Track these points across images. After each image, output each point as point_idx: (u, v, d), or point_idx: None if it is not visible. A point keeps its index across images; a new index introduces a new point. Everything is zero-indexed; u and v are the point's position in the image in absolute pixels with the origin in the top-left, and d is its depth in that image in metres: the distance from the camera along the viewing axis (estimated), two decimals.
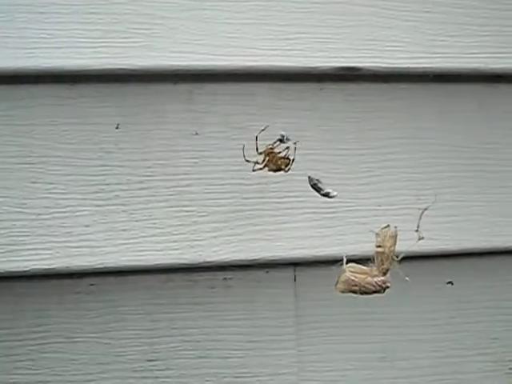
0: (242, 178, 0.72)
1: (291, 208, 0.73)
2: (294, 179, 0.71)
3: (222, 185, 0.71)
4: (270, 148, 0.66)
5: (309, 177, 0.67)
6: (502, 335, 0.80)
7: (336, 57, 0.72)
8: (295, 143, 0.67)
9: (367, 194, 0.74)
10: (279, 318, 0.75)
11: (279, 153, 0.67)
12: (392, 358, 0.77)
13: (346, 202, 0.74)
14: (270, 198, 0.72)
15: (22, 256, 0.68)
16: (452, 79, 0.76)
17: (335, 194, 0.66)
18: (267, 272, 0.74)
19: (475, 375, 0.79)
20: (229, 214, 0.72)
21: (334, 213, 0.73)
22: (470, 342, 0.79)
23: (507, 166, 0.77)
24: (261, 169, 0.67)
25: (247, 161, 0.67)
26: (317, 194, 0.67)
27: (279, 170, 0.67)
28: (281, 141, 0.66)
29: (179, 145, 0.71)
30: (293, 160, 0.67)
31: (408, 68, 0.73)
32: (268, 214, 0.72)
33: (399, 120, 0.75)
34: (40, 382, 0.70)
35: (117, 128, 0.69)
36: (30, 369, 0.70)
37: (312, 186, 0.67)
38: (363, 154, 0.74)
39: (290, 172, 0.69)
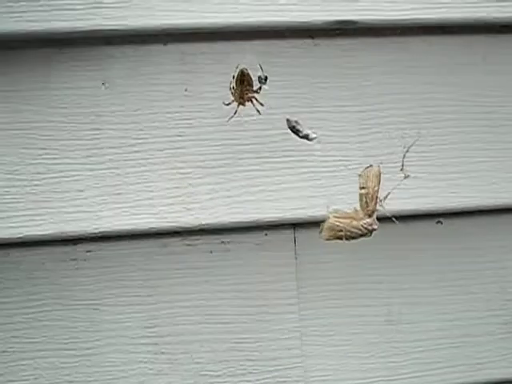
0: (238, 139, 0.70)
1: (289, 168, 0.71)
2: (292, 138, 0.69)
3: (218, 146, 0.70)
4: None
5: (287, 119, 0.64)
6: None
7: (330, 10, 0.70)
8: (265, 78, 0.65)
9: (368, 152, 0.72)
10: (280, 281, 0.73)
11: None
12: (398, 320, 0.75)
13: (347, 161, 0.72)
14: (267, 157, 0.71)
15: (15, 222, 0.67)
16: (454, 31, 0.73)
17: (315, 135, 0.62)
18: (266, 234, 0.72)
19: (485, 338, 0.76)
20: (225, 176, 0.70)
21: (333, 171, 0.71)
22: (481, 304, 0.77)
23: None
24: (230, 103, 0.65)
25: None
26: (302, 139, 0.64)
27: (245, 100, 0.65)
28: (260, 81, 0.64)
29: (172, 106, 0.69)
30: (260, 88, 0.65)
31: (407, 20, 0.71)
32: (265, 174, 0.71)
33: (398, 75, 0.72)
34: (38, 350, 0.69)
35: (105, 88, 0.68)
36: (28, 337, 0.69)
37: (290, 129, 0.63)
38: (362, 110, 0.72)
39: (288, 132, 0.67)
